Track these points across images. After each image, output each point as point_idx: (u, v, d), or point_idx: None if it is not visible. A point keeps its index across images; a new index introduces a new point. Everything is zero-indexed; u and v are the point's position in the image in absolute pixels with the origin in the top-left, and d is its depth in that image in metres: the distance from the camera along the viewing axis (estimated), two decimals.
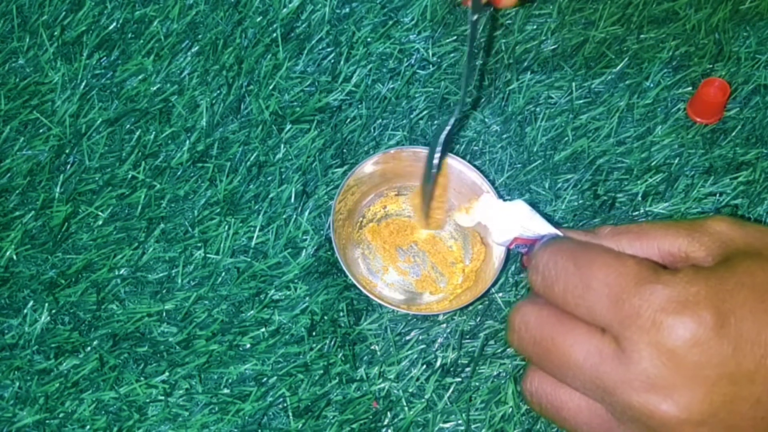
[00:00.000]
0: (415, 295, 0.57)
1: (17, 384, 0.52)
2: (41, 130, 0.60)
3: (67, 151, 0.59)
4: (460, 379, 0.54)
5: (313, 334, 0.54)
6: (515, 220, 0.43)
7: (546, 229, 0.42)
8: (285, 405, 0.53)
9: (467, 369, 0.54)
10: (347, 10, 0.66)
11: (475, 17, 0.52)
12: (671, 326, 0.33)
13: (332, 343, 0.54)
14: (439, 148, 0.54)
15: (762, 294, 0.34)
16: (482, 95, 0.63)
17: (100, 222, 0.57)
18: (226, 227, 0.57)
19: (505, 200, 0.45)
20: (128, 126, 0.61)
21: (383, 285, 0.57)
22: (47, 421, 0.51)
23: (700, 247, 0.37)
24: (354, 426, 0.52)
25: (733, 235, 0.37)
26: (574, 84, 0.63)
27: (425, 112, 0.62)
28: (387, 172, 0.58)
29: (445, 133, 0.53)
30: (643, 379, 0.33)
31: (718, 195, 0.60)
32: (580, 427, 0.37)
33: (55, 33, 0.64)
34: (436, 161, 0.54)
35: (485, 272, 0.56)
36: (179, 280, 0.56)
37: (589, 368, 0.35)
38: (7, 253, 0.56)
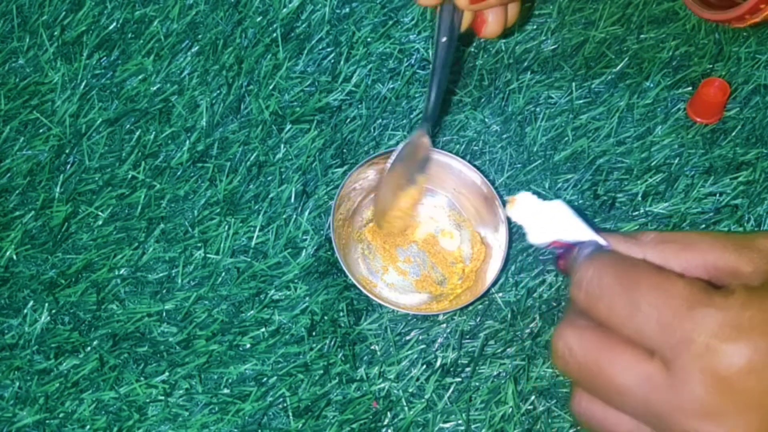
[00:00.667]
0: (415, 295, 0.57)
1: (17, 384, 0.52)
2: (41, 130, 0.60)
3: (67, 151, 0.59)
4: (460, 379, 0.54)
5: (313, 334, 0.54)
6: (554, 222, 0.41)
7: (586, 234, 0.40)
8: (285, 405, 0.53)
9: (467, 369, 0.54)
10: (347, 10, 0.66)
11: (444, 39, 0.48)
12: (725, 353, 0.32)
13: (332, 343, 0.54)
14: (393, 156, 0.53)
15: None
16: (482, 95, 0.63)
17: (100, 222, 0.57)
18: (226, 227, 0.57)
19: (544, 200, 0.43)
20: (128, 126, 0.61)
21: (383, 285, 0.57)
22: (47, 421, 0.51)
23: (749, 263, 0.37)
24: (354, 426, 0.52)
25: None
26: (574, 84, 0.63)
27: None
28: None
29: (402, 146, 0.53)
30: (696, 407, 0.33)
31: (718, 195, 0.60)
32: None
33: (55, 33, 0.64)
34: (388, 165, 0.54)
35: (485, 272, 0.56)
36: (179, 280, 0.56)
37: (640, 394, 0.34)
38: (7, 253, 0.56)
